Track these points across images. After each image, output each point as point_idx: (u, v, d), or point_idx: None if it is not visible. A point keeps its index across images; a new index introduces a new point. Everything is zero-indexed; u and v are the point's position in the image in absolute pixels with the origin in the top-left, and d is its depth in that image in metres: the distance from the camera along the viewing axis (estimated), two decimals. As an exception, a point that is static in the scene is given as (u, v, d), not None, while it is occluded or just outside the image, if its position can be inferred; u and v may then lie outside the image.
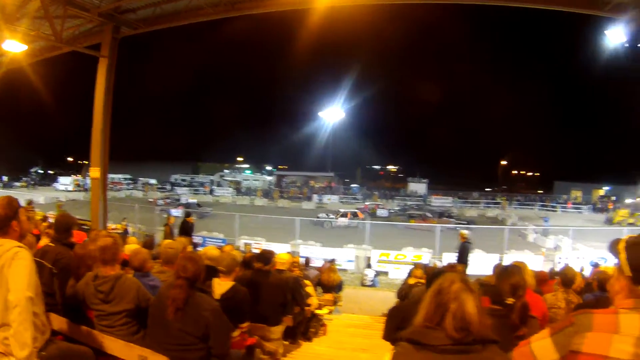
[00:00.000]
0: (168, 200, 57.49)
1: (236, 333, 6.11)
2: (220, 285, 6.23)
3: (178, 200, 58.80)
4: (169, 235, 19.96)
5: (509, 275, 4.18)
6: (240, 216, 31.98)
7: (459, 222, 49.23)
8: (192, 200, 59.93)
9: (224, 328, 4.83)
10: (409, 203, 69.97)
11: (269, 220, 36.14)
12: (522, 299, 3.89)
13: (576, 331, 2.51)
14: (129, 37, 20.05)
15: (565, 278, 7.41)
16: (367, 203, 64.18)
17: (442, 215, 54.65)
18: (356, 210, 53.92)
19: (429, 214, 54.56)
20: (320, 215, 50.27)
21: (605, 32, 18.65)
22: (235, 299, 6.08)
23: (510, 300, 3.85)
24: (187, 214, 21.80)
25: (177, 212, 35.75)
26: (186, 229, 20.05)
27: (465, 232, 19.44)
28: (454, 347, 2.56)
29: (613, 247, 2.69)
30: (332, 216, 49.68)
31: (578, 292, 7.58)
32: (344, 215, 49.79)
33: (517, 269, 4.60)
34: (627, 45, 18.30)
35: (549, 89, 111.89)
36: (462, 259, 18.55)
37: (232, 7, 18.20)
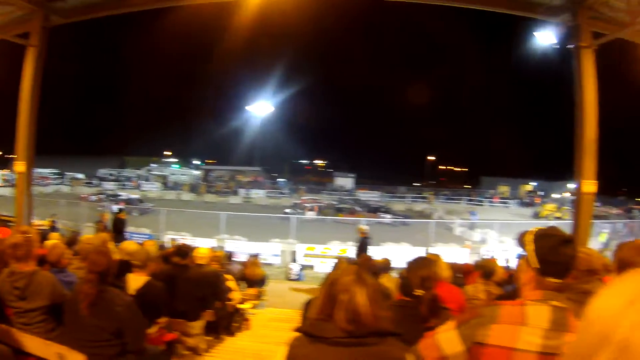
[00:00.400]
0: (102, 196, 55.86)
1: (154, 329, 6.07)
2: (135, 280, 6.15)
3: (116, 195, 57.15)
4: (102, 231, 19.59)
5: (418, 267, 4.20)
6: (167, 211, 31.66)
7: (396, 217, 49.79)
8: (134, 195, 58.51)
9: (137, 323, 4.77)
10: (345, 198, 69.85)
11: (195, 215, 35.85)
12: (432, 290, 3.94)
13: (481, 323, 2.53)
14: (59, 26, 19.55)
15: (485, 270, 7.58)
16: (304, 198, 63.90)
17: (378, 210, 54.73)
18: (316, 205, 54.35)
19: (358, 208, 54.67)
20: (287, 210, 49.45)
21: (535, 33, 19.14)
22: (150, 294, 5.98)
23: (419, 292, 3.91)
24: (119, 210, 21.46)
25: (117, 208, 35.01)
26: (118, 225, 19.75)
27: (364, 227, 19.76)
28: (347, 339, 2.58)
29: (520, 239, 2.74)
30: (299, 211, 49.38)
31: (500, 283, 7.70)
32: (312, 209, 49.83)
33: (427, 261, 4.65)
34: (556, 46, 18.81)
35: (479, 87, 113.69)
36: (361, 252, 18.82)
37: (160, -1, 17.98)
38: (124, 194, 58.67)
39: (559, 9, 17.85)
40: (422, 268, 4.16)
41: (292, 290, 17.02)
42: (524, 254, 2.69)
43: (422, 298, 3.86)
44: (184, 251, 8.03)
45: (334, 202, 59.51)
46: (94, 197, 54.24)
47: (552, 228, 2.74)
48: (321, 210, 50.70)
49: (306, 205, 54.15)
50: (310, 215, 47.22)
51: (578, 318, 2.55)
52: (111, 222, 20.45)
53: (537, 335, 2.35)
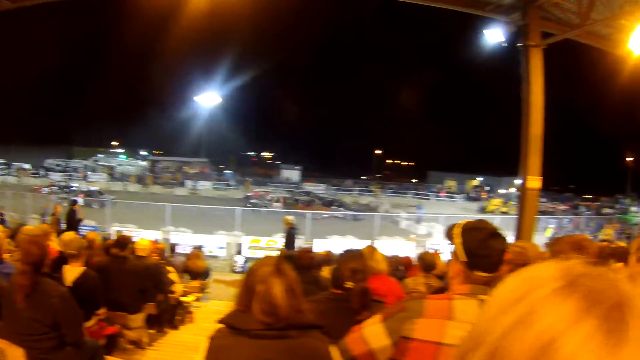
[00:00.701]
0: (54, 188, 54.45)
1: (92, 321, 5.98)
2: (71, 272, 6.03)
3: (68, 187, 55.74)
4: (56, 224, 19.17)
5: (348, 259, 4.18)
6: (113, 203, 31.29)
7: (348, 210, 49.96)
8: (94, 187, 57.19)
9: (73, 314, 4.71)
10: (295, 191, 69.68)
11: (141, 206, 35.52)
12: (362, 283, 3.90)
13: (407, 317, 2.47)
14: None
15: (424, 263, 7.62)
16: (256, 190, 63.55)
17: (332, 203, 54.73)
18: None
19: (317, 201, 54.78)
20: (252, 201, 49.89)
21: (485, 31, 19.31)
22: (87, 285, 5.89)
23: (349, 284, 3.88)
24: (73, 202, 21.05)
25: (80, 200, 34.14)
26: (71, 218, 19.40)
27: (289, 217, 19.86)
28: (266, 332, 2.56)
29: (448, 232, 2.71)
30: (267, 201, 49.80)
31: (441, 276, 7.73)
32: (278, 200, 49.78)
33: (357, 253, 4.67)
34: (504, 45, 19.00)
35: (428, 82, 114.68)
36: (289, 244, 18.90)
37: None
38: (78, 185, 57.43)
39: (509, 8, 18.12)
40: (353, 260, 4.15)
41: (216, 283, 16.81)
42: (452, 247, 2.66)
43: (352, 290, 3.81)
44: (123, 242, 7.92)
45: (287, 195, 59.55)
46: (45, 189, 52.70)
47: (481, 221, 2.73)
48: (275, 202, 50.73)
49: (267, 197, 54.09)
50: (277, 206, 47.22)
51: None
52: (64, 214, 20.00)
53: (464, 330, 2.28)
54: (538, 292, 0.70)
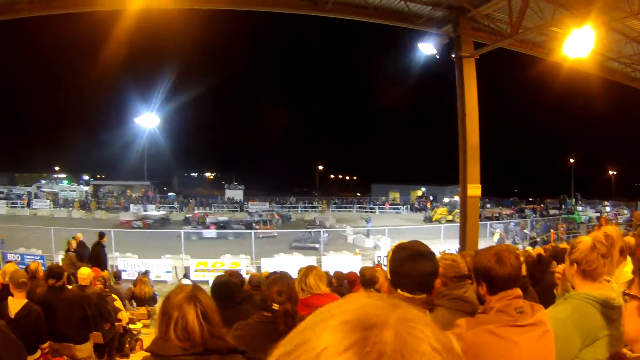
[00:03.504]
0: None
1: (37, 354, 5.91)
2: (14, 304, 5.99)
3: None
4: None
5: (273, 282, 4.22)
6: (57, 230, 30.67)
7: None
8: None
9: (13, 347, 4.64)
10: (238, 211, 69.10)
11: (86, 233, 34.96)
12: (287, 304, 3.94)
13: None
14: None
15: (363, 278, 7.70)
16: (197, 212, 62.66)
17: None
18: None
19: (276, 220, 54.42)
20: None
21: (419, 44, 19.56)
22: (30, 317, 5.83)
23: (275, 307, 3.93)
24: (101, 235, 20.31)
25: None
26: (98, 251, 18.77)
27: (79, 235, 19.79)
28: (187, 357, 2.63)
29: (389, 250, 2.80)
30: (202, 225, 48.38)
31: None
32: (208, 227, 49.18)
33: (283, 274, 4.71)
34: (437, 56, 19.26)
35: (365, 97, 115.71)
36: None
37: (47, 6, 17.42)
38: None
39: (440, 21, 18.48)
40: (278, 282, 4.18)
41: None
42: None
43: (277, 312, 3.88)
44: (56, 272, 7.78)
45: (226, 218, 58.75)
46: None
47: (412, 242, 2.80)
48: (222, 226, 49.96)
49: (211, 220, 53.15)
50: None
51: (452, 326, 2.62)
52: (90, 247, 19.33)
53: None
54: (322, 325, 0.81)
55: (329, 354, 0.73)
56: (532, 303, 2.86)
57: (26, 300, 6.06)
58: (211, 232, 43.44)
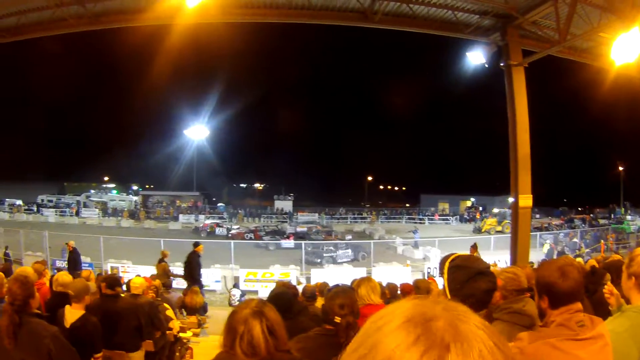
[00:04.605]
0: None
1: (91, 362, 5.95)
2: (71, 314, 6.01)
3: None
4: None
5: (335, 295, 4.19)
6: (107, 239, 31.11)
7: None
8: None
9: (67, 353, 4.66)
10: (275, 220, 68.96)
11: (135, 242, 35.35)
12: (349, 317, 3.92)
13: None
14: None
15: (418, 290, 7.61)
16: (206, 222, 62.40)
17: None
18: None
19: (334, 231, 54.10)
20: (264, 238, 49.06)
21: (468, 53, 19.38)
22: (85, 328, 5.84)
23: (337, 319, 3.90)
24: (196, 244, 20.64)
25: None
26: (193, 261, 19.22)
27: (72, 242, 20.02)
28: None
29: (441, 265, 2.78)
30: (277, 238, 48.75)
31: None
32: (287, 237, 49.20)
33: (345, 287, 4.77)
34: (487, 65, 19.07)
35: (415, 107, 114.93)
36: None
37: (96, 20, 17.70)
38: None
39: (488, 29, 18.26)
40: (340, 295, 4.15)
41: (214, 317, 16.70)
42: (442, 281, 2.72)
43: (339, 325, 3.85)
44: (112, 282, 7.86)
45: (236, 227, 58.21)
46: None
47: (469, 258, 2.79)
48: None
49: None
50: (287, 243, 46.26)
51: (510, 339, 2.57)
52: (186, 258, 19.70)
53: None
54: (385, 328, 0.92)
55: (401, 350, 0.85)
56: (592, 316, 2.80)
57: (83, 312, 6.08)
58: (289, 243, 43.68)
